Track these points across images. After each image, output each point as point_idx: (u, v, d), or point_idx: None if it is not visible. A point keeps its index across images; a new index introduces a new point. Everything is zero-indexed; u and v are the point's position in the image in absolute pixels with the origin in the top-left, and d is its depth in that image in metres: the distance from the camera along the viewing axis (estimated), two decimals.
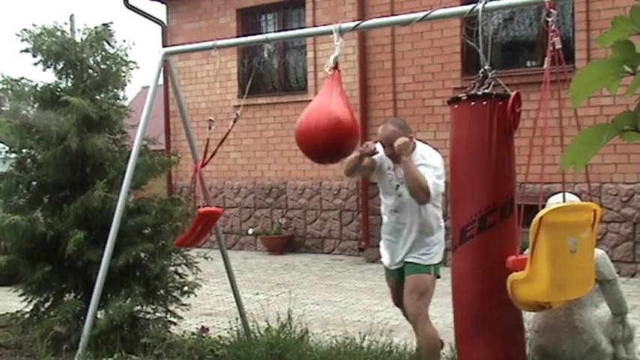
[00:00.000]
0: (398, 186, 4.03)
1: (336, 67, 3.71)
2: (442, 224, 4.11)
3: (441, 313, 6.24)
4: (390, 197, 4.11)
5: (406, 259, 4.03)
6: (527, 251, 3.17)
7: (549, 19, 2.95)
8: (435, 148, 4.18)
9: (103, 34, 5.16)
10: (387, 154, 4.01)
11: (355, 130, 3.69)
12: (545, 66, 2.88)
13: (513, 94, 3.08)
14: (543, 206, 2.93)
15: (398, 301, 4.33)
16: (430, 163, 3.89)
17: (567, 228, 2.81)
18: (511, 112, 3.05)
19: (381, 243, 4.29)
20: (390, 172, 4.09)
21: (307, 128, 3.56)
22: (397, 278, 4.20)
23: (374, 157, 4.10)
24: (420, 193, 3.76)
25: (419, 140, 4.13)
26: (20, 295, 5.17)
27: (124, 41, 5.27)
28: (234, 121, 4.45)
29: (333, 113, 3.53)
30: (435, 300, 6.84)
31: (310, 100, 10.17)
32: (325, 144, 3.55)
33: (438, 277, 4.08)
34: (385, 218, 4.21)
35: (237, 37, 9.90)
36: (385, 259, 4.25)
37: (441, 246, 4.06)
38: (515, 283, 2.88)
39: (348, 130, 3.58)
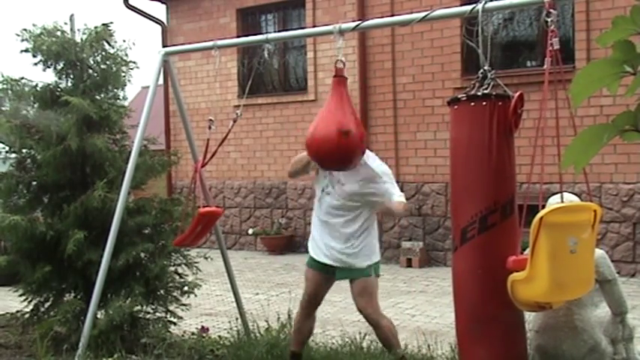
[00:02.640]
0: (327, 186, 4.11)
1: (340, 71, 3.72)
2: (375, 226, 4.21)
3: (441, 313, 6.25)
4: (323, 200, 4.15)
5: (343, 263, 4.09)
6: (528, 251, 3.18)
7: (549, 20, 2.94)
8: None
9: (103, 34, 5.16)
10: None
11: (363, 143, 3.72)
12: (545, 66, 2.88)
13: (517, 94, 3.07)
14: (543, 206, 2.92)
15: (314, 299, 4.29)
16: (391, 179, 4.07)
17: (567, 228, 2.81)
18: (513, 113, 3.05)
19: (313, 238, 4.27)
20: (326, 177, 4.14)
21: (325, 139, 3.59)
22: (325, 273, 4.20)
23: None
24: (401, 214, 4.04)
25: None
26: (20, 295, 5.17)
27: (124, 41, 5.27)
28: (234, 121, 4.45)
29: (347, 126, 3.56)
30: (435, 300, 6.89)
31: (310, 100, 10.20)
32: (340, 157, 3.63)
33: (378, 275, 4.19)
34: (317, 221, 4.21)
35: (237, 37, 9.91)
36: (315, 252, 4.22)
37: (375, 246, 4.18)
38: (516, 284, 2.88)
39: (358, 143, 3.63)
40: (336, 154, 3.60)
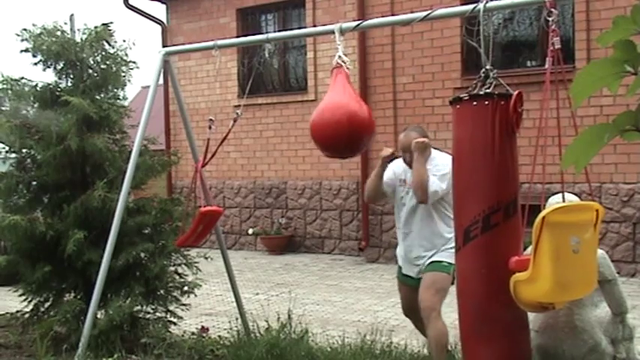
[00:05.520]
0: (402, 197, 4.18)
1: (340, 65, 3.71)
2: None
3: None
4: (400, 211, 4.24)
5: (426, 262, 4.10)
6: (528, 251, 3.18)
7: (550, 19, 2.94)
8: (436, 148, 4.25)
9: (102, 34, 5.16)
10: (406, 161, 4.12)
11: (371, 123, 3.69)
12: (546, 66, 2.88)
13: (515, 93, 3.07)
14: (544, 206, 2.92)
15: (409, 309, 4.36)
16: (440, 173, 4.00)
17: (570, 228, 2.80)
18: (513, 112, 3.05)
19: (398, 252, 4.36)
20: (400, 185, 4.19)
21: (327, 123, 3.54)
22: (411, 285, 4.22)
23: (387, 181, 4.22)
24: (419, 191, 3.94)
25: (436, 148, 4.20)
26: (20, 295, 5.17)
27: (124, 41, 5.27)
28: (234, 121, 4.45)
29: (350, 108, 3.53)
30: None
31: (310, 100, 10.21)
32: (347, 138, 3.55)
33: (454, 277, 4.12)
34: (400, 234, 4.30)
35: (237, 37, 9.90)
36: (403, 267, 4.30)
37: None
38: (518, 284, 2.87)
39: (366, 124, 3.59)
40: (345, 139, 3.54)
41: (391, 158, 4.18)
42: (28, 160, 5.22)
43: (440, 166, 4.02)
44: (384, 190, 4.26)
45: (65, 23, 5.20)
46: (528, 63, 8.63)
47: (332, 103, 3.59)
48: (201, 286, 5.28)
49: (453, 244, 3.86)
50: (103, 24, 5.21)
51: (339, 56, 3.66)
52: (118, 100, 5.35)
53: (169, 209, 5.21)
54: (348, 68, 3.69)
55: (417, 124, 4.87)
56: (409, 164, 4.09)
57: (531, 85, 7.30)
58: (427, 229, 4.09)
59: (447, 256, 4.03)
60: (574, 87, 1.57)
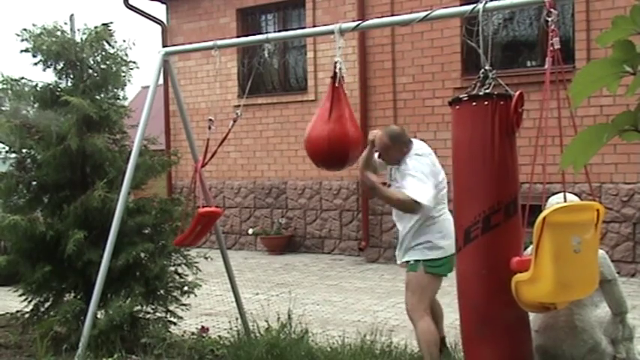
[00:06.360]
0: (389, 185, 4.25)
1: (336, 76, 3.77)
2: (435, 221, 4.06)
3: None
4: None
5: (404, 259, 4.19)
6: (528, 251, 3.18)
7: (549, 19, 2.95)
8: (428, 153, 4.34)
9: (102, 34, 5.16)
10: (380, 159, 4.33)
11: (360, 142, 3.91)
12: (546, 66, 2.88)
13: (517, 93, 3.08)
14: (544, 206, 2.93)
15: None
16: (419, 176, 3.94)
17: (571, 228, 2.80)
18: (514, 112, 3.05)
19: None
20: (392, 179, 4.29)
21: (317, 141, 3.82)
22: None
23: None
24: (402, 207, 3.96)
25: (415, 139, 4.26)
26: (20, 295, 5.17)
27: (124, 41, 5.27)
28: (234, 121, 4.46)
29: (343, 129, 3.76)
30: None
31: (310, 100, 10.20)
32: (333, 158, 3.84)
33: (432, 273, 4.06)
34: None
35: (237, 37, 9.90)
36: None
37: (432, 242, 4.04)
38: (520, 284, 2.87)
39: (354, 144, 3.85)
40: (327, 154, 3.80)
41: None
42: (28, 160, 5.21)
43: (415, 169, 3.98)
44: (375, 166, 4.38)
45: (65, 23, 5.20)
46: (528, 63, 8.62)
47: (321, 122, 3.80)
48: (201, 286, 5.28)
49: (423, 240, 3.98)
50: (103, 24, 5.21)
51: (340, 70, 3.71)
52: (118, 100, 5.35)
53: (169, 209, 5.21)
54: (343, 76, 3.76)
55: (395, 126, 4.91)
56: (384, 161, 4.29)
57: (531, 85, 7.30)
58: (408, 225, 4.10)
59: (413, 253, 4.05)
60: (573, 87, 1.57)
